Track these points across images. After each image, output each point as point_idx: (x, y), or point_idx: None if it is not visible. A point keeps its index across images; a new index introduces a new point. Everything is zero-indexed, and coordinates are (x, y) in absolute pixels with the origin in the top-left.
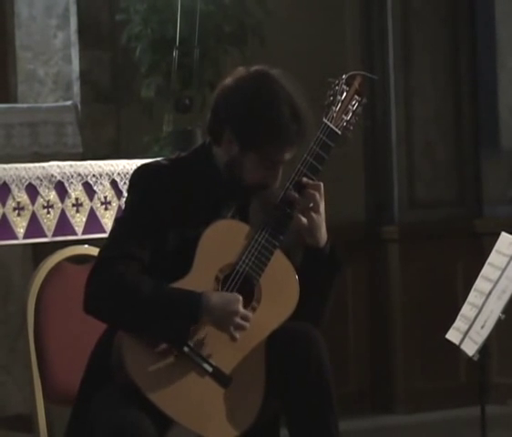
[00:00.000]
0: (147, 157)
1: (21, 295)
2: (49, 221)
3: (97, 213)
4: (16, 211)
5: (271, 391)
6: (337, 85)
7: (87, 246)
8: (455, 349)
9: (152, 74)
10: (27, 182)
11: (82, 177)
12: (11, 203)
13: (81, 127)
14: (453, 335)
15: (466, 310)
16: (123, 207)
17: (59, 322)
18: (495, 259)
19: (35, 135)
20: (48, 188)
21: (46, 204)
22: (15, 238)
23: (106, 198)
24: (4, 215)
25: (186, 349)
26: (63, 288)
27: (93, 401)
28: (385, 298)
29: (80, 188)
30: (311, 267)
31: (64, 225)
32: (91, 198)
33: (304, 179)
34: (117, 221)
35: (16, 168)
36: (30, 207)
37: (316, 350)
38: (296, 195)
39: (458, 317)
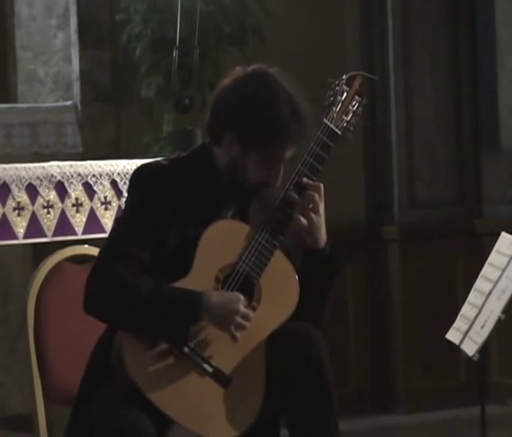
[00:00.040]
0: (147, 157)
1: (21, 295)
2: (49, 221)
3: (97, 213)
4: (16, 211)
5: (271, 391)
6: (337, 85)
7: (86, 246)
8: (455, 349)
9: (152, 74)
10: (27, 182)
11: (82, 177)
12: (11, 203)
13: (81, 127)
14: (453, 335)
15: (466, 310)
16: (123, 207)
17: (59, 322)
18: (495, 259)
19: (35, 135)
20: (48, 188)
21: (46, 204)
22: (15, 238)
23: (106, 198)
24: (4, 215)
25: (186, 349)
26: (63, 288)
27: (93, 401)
28: (385, 298)
29: (80, 187)
30: (310, 268)
31: (64, 225)
32: (91, 198)
33: (304, 180)
34: (117, 221)
35: (16, 168)
36: (30, 207)
37: (316, 350)
38: (296, 196)
39: (458, 317)
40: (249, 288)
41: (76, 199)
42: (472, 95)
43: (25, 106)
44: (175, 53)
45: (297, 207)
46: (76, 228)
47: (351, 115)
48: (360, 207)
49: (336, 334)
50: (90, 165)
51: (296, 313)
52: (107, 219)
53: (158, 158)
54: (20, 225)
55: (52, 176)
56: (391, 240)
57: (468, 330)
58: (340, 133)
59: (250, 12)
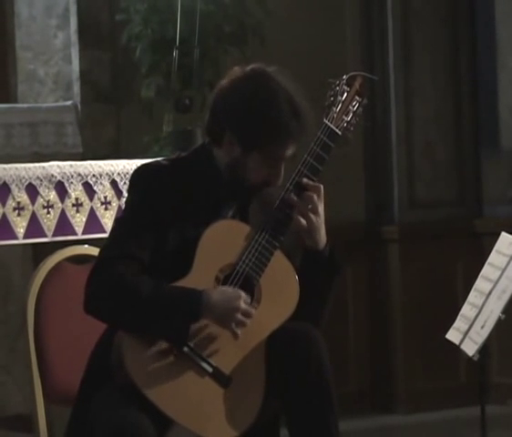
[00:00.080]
0: (147, 157)
1: (21, 295)
2: (49, 221)
3: (97, 213)
4: (16, 211)
5: (271, 391)
6: (338, 85)
7: (86, 246)
8: (455, 349)
9: (152, 74)
10: (27, 182)
11: (82, 177)
12: (11, 203)
13: (81, 127)
14: (453, 335)
15: (466, 310)
16: (123, 207)
17: (59, 322)
18: (495, 259)
19: (35, 135)
20: (48, 188)
21: (46, 204)
22: (15, 238)
23: (106, 198)
24: (4, 215)
25: (186, 349)
26: (63, 288)
27: (93, 401)
28: (385, 298)
29: (80, 187)
30: (310, 269)
31: (64, 225)
32: (91, 198)
33: (304, 180)
34: (117, 221)
35: (16, 168)
36: (30, 207)
37: (316, 350)
38: (295, 197)
39: (458, 317)
40: (249, 288)
41: (76, 199)
42: (472, 95)
43: (25, 106)
44: (175, 53)
45: (296, 207)
46: (76, 228)
47: (351, 115)
48: (360, 207)
49: (336, 334)
50: (90, 165)
51: (296, 313)
52: (107, 219)
53: (158, 158)
54: (20, 225)
55: (52, 176)
56: (391, 240)
57: (468, 330)
58: (340, 133)
59: (250, 12)
